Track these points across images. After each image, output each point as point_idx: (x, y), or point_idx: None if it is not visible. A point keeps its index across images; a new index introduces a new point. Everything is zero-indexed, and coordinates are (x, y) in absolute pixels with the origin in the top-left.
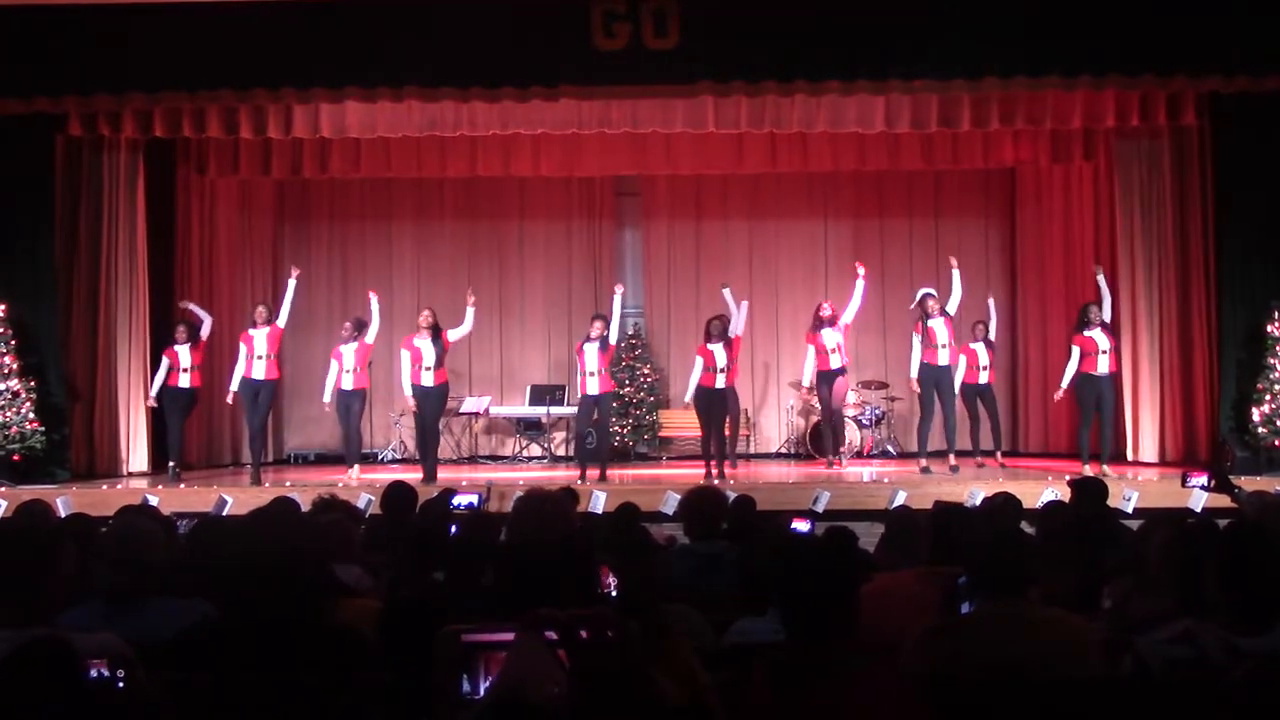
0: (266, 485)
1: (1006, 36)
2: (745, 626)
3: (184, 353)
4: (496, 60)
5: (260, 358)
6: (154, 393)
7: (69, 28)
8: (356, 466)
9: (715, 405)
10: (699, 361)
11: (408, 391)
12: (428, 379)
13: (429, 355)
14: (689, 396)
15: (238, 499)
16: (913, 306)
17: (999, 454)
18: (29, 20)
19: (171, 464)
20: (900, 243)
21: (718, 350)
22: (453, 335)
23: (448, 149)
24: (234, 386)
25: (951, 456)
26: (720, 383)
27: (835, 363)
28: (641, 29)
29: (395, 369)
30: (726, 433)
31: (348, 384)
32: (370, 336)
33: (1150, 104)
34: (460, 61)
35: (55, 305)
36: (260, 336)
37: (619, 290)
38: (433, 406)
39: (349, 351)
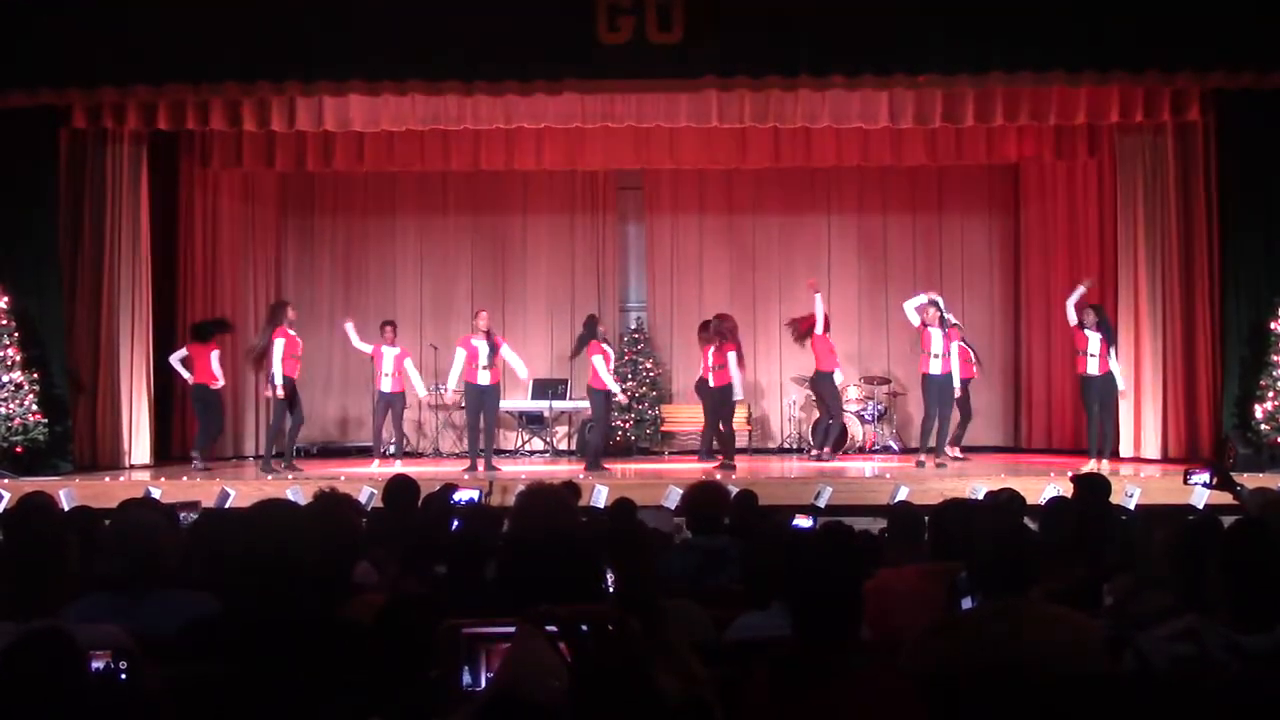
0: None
1: (1011, 32)
2: (748, 622)
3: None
4: (500, 53)
5: (296, 358)
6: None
7: (73, 20)
8: (376, 461)
9: (705, 400)
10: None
11: (451, 385)
12: (484, 378)
13: (484, 355)
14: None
15: (240, 492)
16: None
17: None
18: (33, 13)
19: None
20: (904, 238)
21: (709, 352)
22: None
23: (451, 142)
24: (278, 381)
25: (948, 452)
26: (710, 381)
27: (828, 364)
28: (645, 23)
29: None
30: (721, 429)
31: (386, 386)
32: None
33: (1155, 99)
34: (464, 55)
35: (59, 297)
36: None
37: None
38: (489, 404)
39: (389, 355)
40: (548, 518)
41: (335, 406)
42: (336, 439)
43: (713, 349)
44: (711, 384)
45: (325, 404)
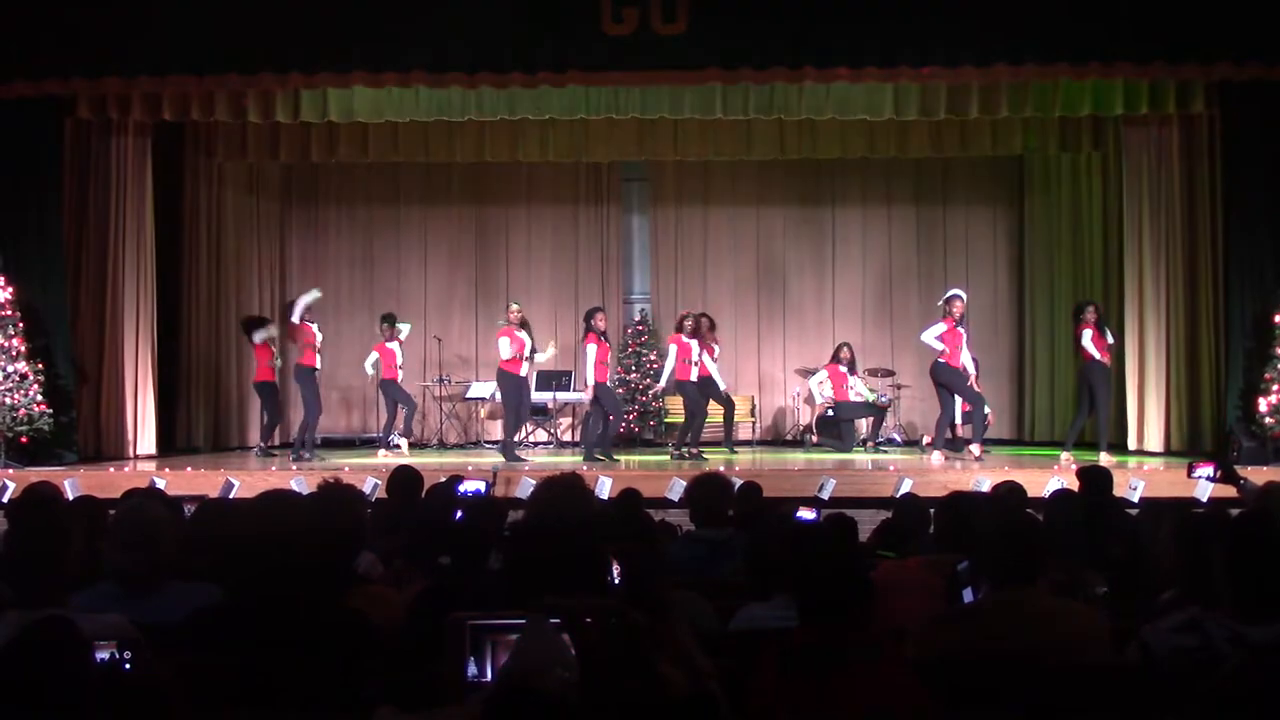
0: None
1: (1015, 23)
2: (751, 613)
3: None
4: (504, 45)
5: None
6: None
7: (77, 11)
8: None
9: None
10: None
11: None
12: (524, 369)
13: (529, 346)
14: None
15: (245, 482)
16: (940, 304)
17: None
18: (38, 3)
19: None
20: (908, 231)
21: (694, 345)
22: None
23: (455, 134)
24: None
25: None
26: (694, 375)
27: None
28: (650, 14)
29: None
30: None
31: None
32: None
33: (1160, 92)
34: (468, 46)
35: (63, 288)
36: (314, 328)
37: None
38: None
39: (397, 349)
40: (563, 506)
41: (339, 397)
42: (340, 430)
43: (697, 342)
44: (695, 378)
45: (329, 395)
